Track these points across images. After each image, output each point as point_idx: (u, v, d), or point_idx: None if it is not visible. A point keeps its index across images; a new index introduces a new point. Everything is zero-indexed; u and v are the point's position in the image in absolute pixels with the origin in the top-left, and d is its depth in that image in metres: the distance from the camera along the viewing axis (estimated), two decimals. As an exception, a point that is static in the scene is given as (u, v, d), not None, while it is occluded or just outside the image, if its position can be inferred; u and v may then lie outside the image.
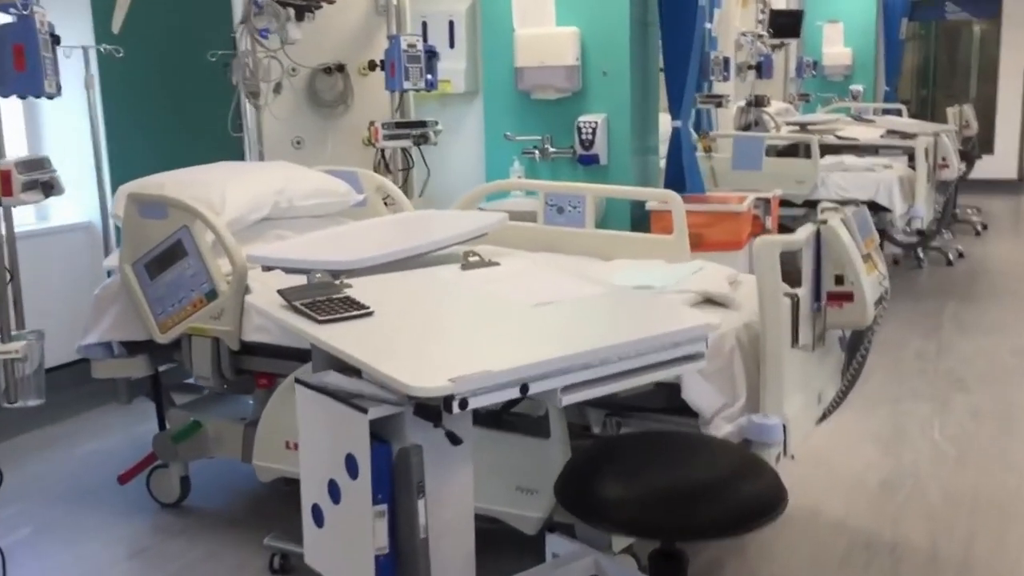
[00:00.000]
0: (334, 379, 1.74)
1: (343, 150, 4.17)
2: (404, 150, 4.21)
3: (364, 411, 1.63)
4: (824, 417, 2.75)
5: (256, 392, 2.99)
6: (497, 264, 2.41)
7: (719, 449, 2.08)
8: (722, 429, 2.28)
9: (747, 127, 9.22)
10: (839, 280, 2.45)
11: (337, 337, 1.76)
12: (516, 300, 2.08)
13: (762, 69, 9.02)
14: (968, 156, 8.74)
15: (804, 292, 2.41)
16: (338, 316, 1.85)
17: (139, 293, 2.93)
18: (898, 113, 9.96)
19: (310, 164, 3.76)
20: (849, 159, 6.35)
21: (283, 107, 4.10)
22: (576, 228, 3.30)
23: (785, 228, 6.63)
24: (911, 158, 6.31)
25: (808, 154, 6.39)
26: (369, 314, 1.88)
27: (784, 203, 6.01)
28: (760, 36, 9.73)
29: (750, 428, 2.29)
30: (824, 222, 2.47)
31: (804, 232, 2.42)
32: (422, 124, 4.04)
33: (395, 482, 1.67)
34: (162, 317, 2.93)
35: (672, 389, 2.30)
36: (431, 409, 1.58)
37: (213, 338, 2.85)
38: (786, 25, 10.08)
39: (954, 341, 5.12)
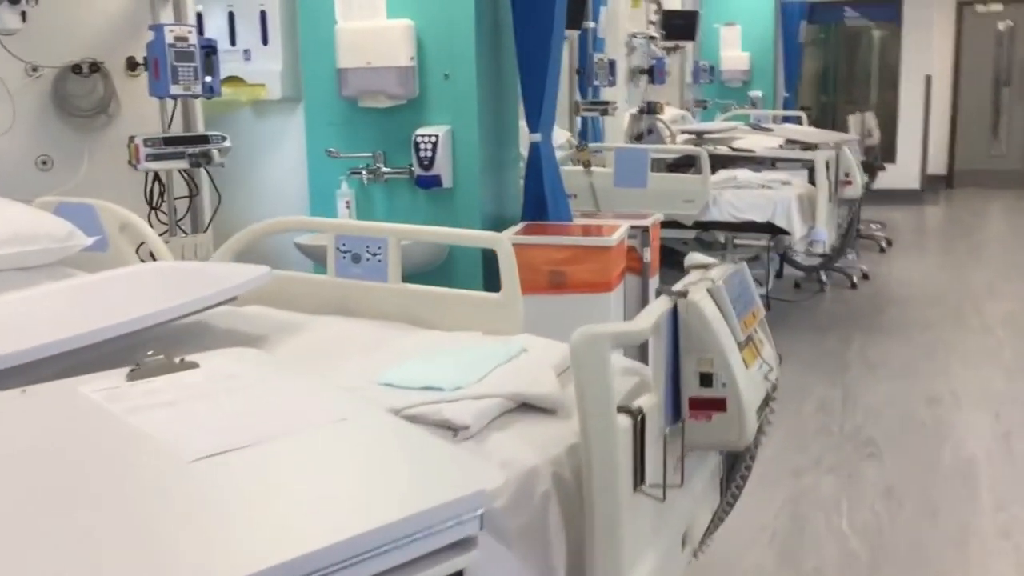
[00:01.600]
0: None
1: (104, 172, 3.26)
2: (185, 172, 3.32)
3: None
4: (697, 553, 1.99)
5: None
6: (193, 367, 1.57)
7: None
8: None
9: (640, 136, 8.56)
10: (705, 380, 1.67)
11: None
12: (173, 449, 1.25)
13: (654, 73, 8.36)
14: (871, 167, 8.21)
15: (652, 402, 1.62)
16: None
17: None
18: (798, 121, 9.43)
19: (55, 189, 2.85)
20: (744, 174, 5.68)
21: (24, 117, 3.17)
22: (375, 282, 2.48)
23: (672, 255, 5.94)
24: (812, 171, 5.67)
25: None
26: None
27: (674, 224, 5.31)
28: (652, 38, 9.09)
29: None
30: (683, 295, 1.68)
31: (652, 313, 1.62)
32: (202, 139, 3.15)
33: None
34: None
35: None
36: None
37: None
38: (680, 27, 9.45)
39: (861, 387, 4.46)
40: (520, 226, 3.78)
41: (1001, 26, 11.67)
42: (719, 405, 1.65)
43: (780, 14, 10.94)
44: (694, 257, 1.99)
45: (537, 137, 3.85)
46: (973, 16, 11.67)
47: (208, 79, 3.07)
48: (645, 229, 3.95)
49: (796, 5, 10.89)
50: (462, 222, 3.78)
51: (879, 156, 9.10)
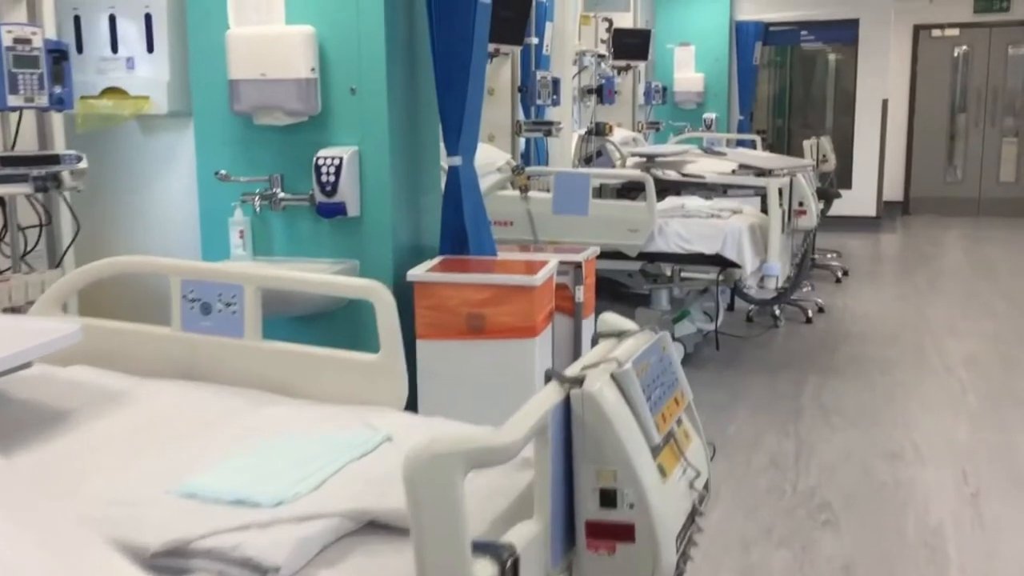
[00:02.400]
0: None
1: (-64, 197, 2.77)
2: (36, 199, 2.84)
3: None
4: None
5: None
6: None
7: None
8: None
9: (589, 159, 8.19)
10: (607, 499, 1.23)
11: None
12: None
13: (604, 93, 8.00)
14: (826, 194, 7.91)
15: (533, 533, 1.19)
16: None
17: None
18: (752, 145, 9.13)
19: None
20: (692, 202, 5.30)
21: None
22: (229, 338, 2.03)
23: (614, 287, 5.56)
24: (765, 199, 5.31)
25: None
26: None
27: (618, 255, 4.91)
28: (603, 57, 8.75)
29: None
30: (578, 383, 1.25)
31: (531, 413, 1.18)
32: (51, 160, 2.67)
33: None
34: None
35: None
36: None
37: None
38: (633, 46, 9.12)
39: (816, 437, 4.07)
40: (436, 261, 3.35)
41: (957, 51, 11.50)
42: (625, 533, 1.21)
43: (735, 35, 10.67)
44: (608, 321, 1.57)
45: (456, 160, 3.43)
46: (929, 40, 11.50)
47: (58, 89, 2.61)
48: (578, 265, 3.54)
49: (751, 26, 10.62)
50: (372, 256, 3.35)
51: (834, 182, 8.83)
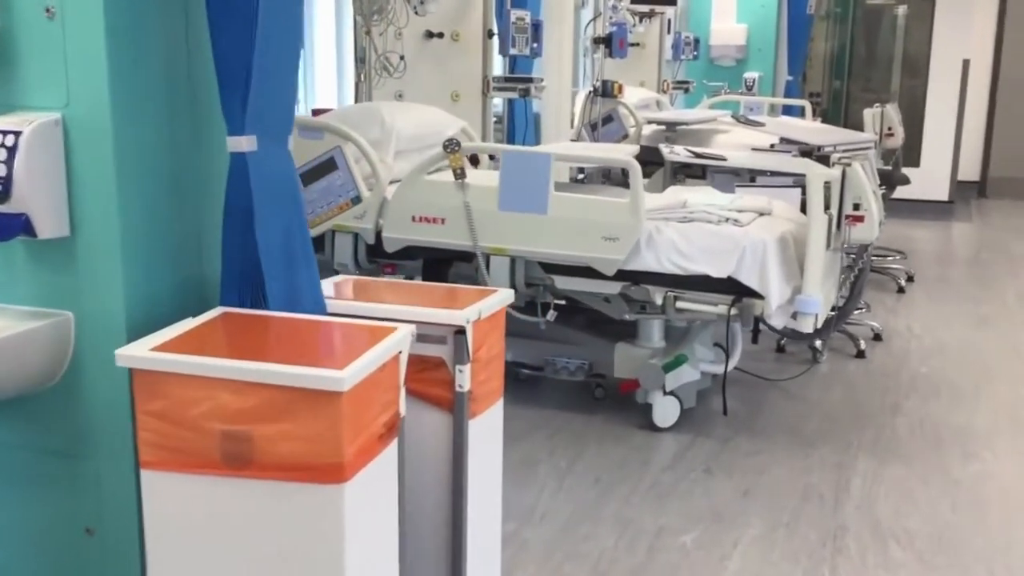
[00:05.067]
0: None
1: None
2: None
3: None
4: None
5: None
6: None
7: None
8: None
9: (595, 127, 6.64)
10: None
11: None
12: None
13: (612, 44, 6.42)
14: (891, 178, 6.30)
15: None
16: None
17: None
18: (800, 113, 7.49)
19: None
20: (700, 196, 3.75)
21: None
22: None
23: (583, 314, 4.07)
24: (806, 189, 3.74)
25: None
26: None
27: (591, 271, 3.43)
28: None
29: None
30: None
31: None
32: None
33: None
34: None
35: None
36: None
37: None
38: (658, -13, 7.53)
39: (865, 592, 2.58)
40: (195, 323, 1.88)
41: (1053, 5, 9.65)
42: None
43: (787, -22, 8.95)
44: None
45: (243, 144, 1.94)
46: (1021, -8, 9.66)
47: None
48: (460, 330, 2.04)
49: (807, -32, 8.90)
50: (93, 305, 1.91)
51: (900, 161, 7.17)
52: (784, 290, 3.34)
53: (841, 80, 10.43)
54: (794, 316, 3.36)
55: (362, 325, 1.90)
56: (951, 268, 6.72)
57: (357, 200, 3.78)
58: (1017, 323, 5.28)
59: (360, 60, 4.66)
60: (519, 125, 5.96)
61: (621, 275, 3.47)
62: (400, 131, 3.97)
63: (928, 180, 8.31)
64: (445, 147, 3.57)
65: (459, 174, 3.58)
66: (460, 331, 2.04)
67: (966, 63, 8.44)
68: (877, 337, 4.84)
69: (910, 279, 6.16)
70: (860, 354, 4.57)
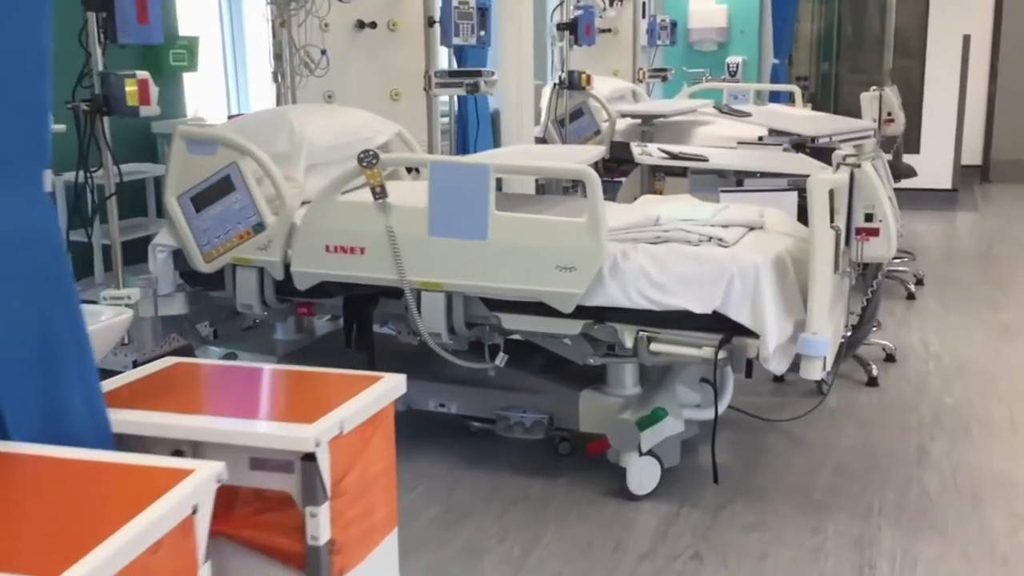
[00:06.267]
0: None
1: None
2: None
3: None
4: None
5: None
6: None
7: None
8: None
9: (563, 123, 5.98)
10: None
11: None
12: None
13: (578, 30, 5.74)
14: (894, 169, 5.62)
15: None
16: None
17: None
18: (789, 99, 6.83)
19: None
20: (677, 208, 3.07)
21: None
22: None
23: (525, 350, 3.37)
24: (804, 192, 3.07)
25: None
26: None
27: (543, 308, 2.76)
28: (586, -20, 6.45)
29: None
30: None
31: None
32: None
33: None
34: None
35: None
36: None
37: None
38: (629, -34, 6.86)
39: None
40: None
41: (1054, -25, 9.00)
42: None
43: (769, -46, 8.27)
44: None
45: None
46: (1020, -39, 9.00)
47: None
48: (309, 456, 1.37)
49: (791, -57, 8.23)
50: None
51: (902, 149, 6.53)
52: (784, 326, 2.67)
53: (829, 62, 9.77)
54: (797, 359, 2.69)
55: (142, 468, 1.23)
56: (962, 267, 6.07)
57: (260, 227, 3.11)
58: (1046, 332, 4.64)
59: (277, 57, 3.98)
60: (473, 126, 5.29)
61: (582, 312, 2.81)
62: (313, 141, 3.30)
63: (929, 167, 7.64)
64: (360, 160, 2.89)
65: (378, 192, 2.90)
66: (308, 456, 1.37)
67: (967, 39, 7.78)
68: (890, 358, 4.19)
69: (920, 283, 5.51)
70: (872, 381, 3.91)
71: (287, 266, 3.08)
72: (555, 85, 5.77)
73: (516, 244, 2.80)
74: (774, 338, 2.63)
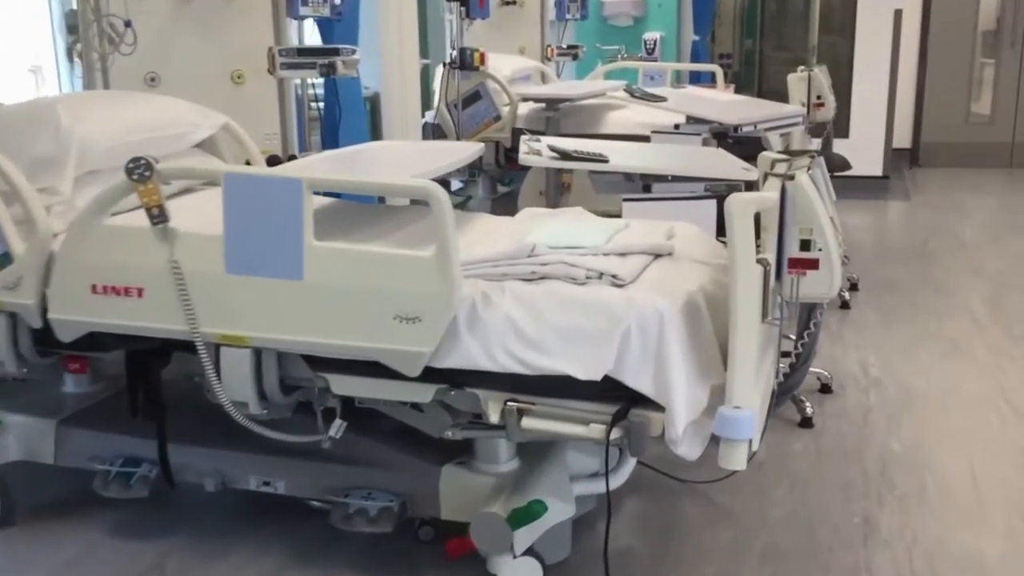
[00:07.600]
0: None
1: None
2: None
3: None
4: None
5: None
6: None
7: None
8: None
9: (459, 109, 5.25)
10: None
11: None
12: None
13: (469, 1, 5.00)
14: (830, 164, 5.03)
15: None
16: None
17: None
18: (710, 79, 6.20)
19: None
20: (561, 228, 2.37)
21: None
22: None
23: (374, 419, 2.62)
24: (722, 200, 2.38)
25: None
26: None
27: (382, 367, 2.03)
28: (480, -55, 5.70)
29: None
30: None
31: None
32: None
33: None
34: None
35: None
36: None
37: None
38: (533, -69, 6.14)
39: None
40: None
41: (985, -52, 8.54)
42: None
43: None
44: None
45: None
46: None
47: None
48: None
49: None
50: None
51: (832, 136, 5.94)
52: (697, 395, 2.00)
53: (753, 39, 9.18)
54: (715, 441, 2.03)
55: None
56: (899, 267, 5.52)
57: (6, 259, 2.32)
58: (996, 349, 4.08)
59: (71, 29, 3.16)
60: (346, 114, 4.52)
61: (433, 374, 2.10)
62: (88, 141, 2.51)
63: (859, 153, 7.05)
64: (129, 171, 2.13)
65: (156, 215, 2.14)
66: None
67: (898, 13, 7.22)
68: (826, 388, 3.58)
69: (854, 287, 4.94)
70: (806, 422, 3.29)
71: (46, 310, 2.31)
72: (445, 64, 5.04)
73: (342, 286, 2.07)
74: (683, 414, 1.96)
